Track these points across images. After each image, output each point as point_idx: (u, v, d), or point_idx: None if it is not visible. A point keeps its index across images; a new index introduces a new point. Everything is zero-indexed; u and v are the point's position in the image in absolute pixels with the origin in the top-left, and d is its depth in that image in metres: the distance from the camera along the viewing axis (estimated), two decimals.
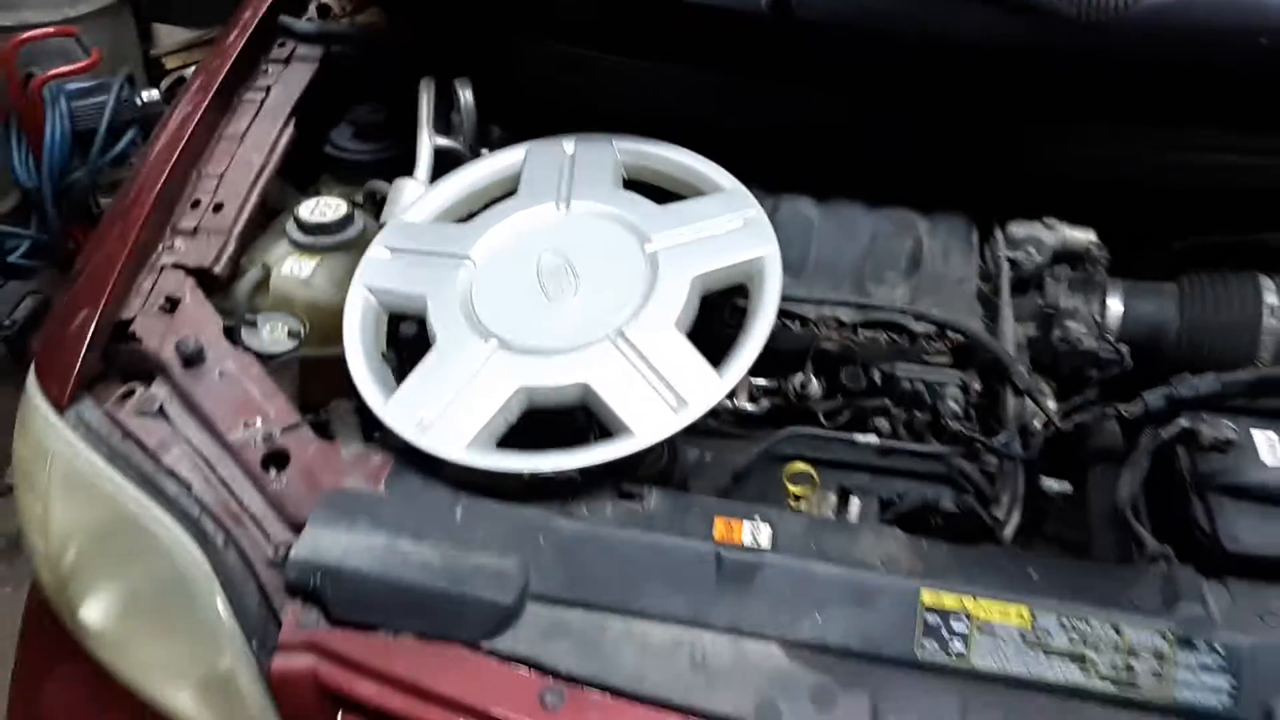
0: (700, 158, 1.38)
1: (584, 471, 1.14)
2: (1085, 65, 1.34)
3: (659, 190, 1.38)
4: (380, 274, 1.30)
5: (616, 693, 1.03)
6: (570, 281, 1.24)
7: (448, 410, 1.16)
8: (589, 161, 1.38)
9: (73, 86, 2.75)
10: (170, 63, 3.33)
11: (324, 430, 1.26)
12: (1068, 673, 1.02)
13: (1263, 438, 1.23)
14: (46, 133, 2.70)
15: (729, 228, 1.27)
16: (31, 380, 1.29)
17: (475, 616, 1.06)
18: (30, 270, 2.95)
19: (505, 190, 1.40)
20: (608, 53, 1.48)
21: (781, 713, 1.01)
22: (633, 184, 1.40)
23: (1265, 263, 1.38)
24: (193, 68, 3.28)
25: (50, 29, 2.78)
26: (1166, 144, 1.38)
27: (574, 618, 1.07)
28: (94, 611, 1.19)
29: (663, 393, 1.13)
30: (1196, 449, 1.22)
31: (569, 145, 1.41)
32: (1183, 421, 1.24)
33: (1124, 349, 1.34)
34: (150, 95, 2.87)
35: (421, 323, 1.27)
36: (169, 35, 3.42)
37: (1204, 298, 1.36)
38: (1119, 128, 1.38)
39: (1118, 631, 1.03)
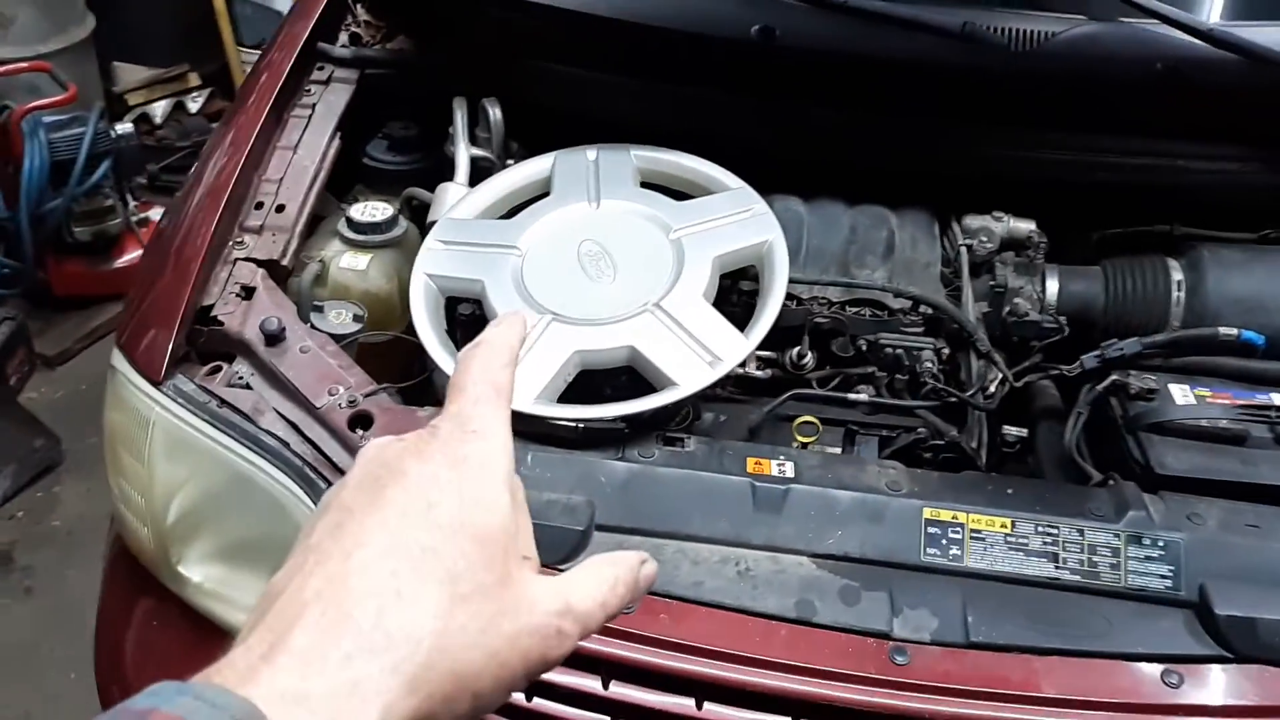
0: (708, 163, 1.60)
1: (631, 424, 1.34)
2: (1018, 84, 1.62)
3: (672, 191, 1.60)
4: (438, 263, 1.48)
5: (679, 599, 1.21)
6: (609, 265, 1.45)
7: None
8: (611, 166, 1.59)
9: (50, 119, 2.84)
10: (132, 99, 3.43)
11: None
12: (1044, 568, 1.25)
13: (1176, 389, 1.50)
14: (25, 163, 2.77)
15: (740, 218, 1.50)
16: (119, 360, 1.43)
17: (552, 543, 1.23)
18: (1, 298, 3.00)
19: (537, 193, 1.60)
20: (615, 75, 1.70)
21: (817, 608, 1.21)
22: (648, 186, 1.62)
23: (1166, 248, 1.67)
24: (156, 103, 3.40)
25: (24, 64, 2.87)
26: (1086, 148, 1.66)
27: (635, 542, 1.25)
28: (197, 563, 1.33)
29: (699, 351, 1.34)
30: (1126, 398, 1.49)
31: (591, 153, 1.62)
32: (1114, 376, 1.50)
33: (1062, 320, 1.60)
34: (124, 128, 2.97)
35: (478, 304, 1.46)
36: (129, 74, 3.52)
37: (1123, 277, 1.64)
38: (1048, 135, 1.65)
39: (1081, 534, 1.26)
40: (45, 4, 3.19)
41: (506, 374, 0.69)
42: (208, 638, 1.36)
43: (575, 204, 1.54)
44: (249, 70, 3.70)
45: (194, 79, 3.56)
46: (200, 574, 1.35)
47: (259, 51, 3.83)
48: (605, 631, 1.18)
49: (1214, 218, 1.71)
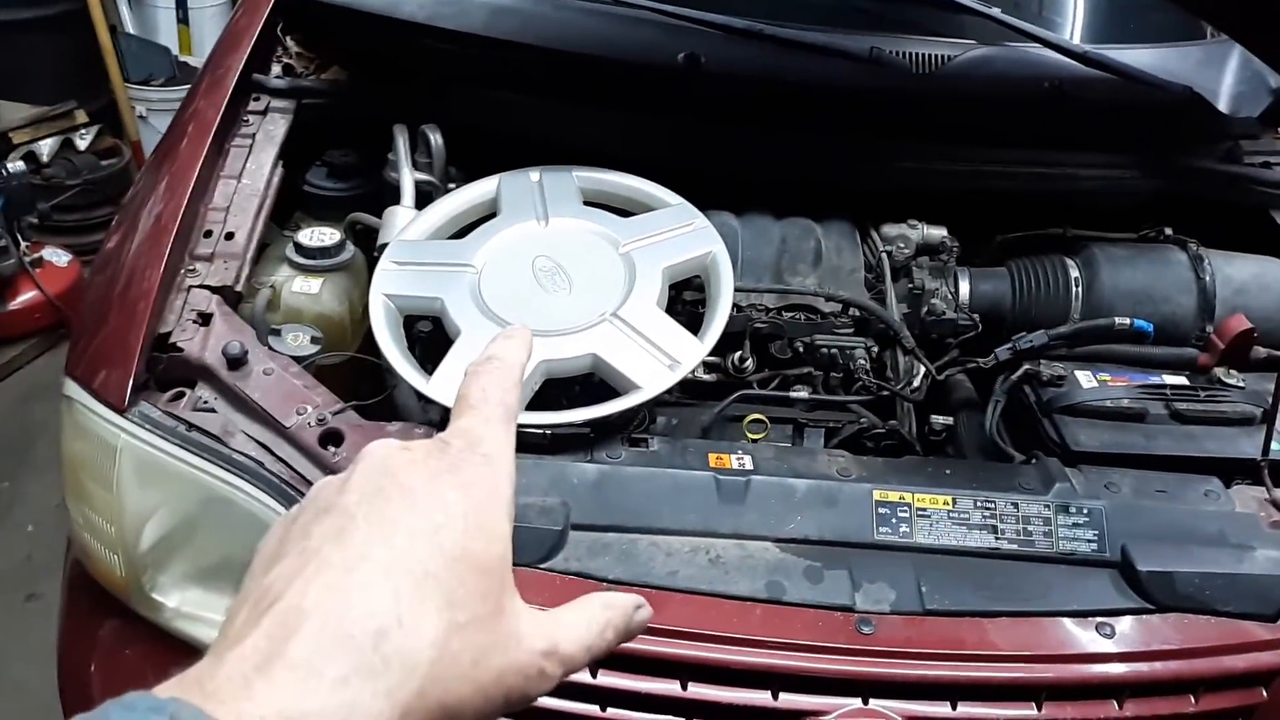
0: (647, 181, 1.69)
1: (596, 428, 1.41)
2: (923, 103, 1.77)
3: (614, 209, 1.68)
4: (394, 284, 1.52)
5: (657, 588, 1.28)
6: (564, 279, 1.51)
7: None
8: (555, 186, 1.66)
9: None
10: (17, 137, 3.32)
11: None
12: (985, 539, 1.36)
13: (1081, 374, 1.65)
14: None
15: (683, 231, 1.58)
16: (75, 390, 1.42)
17: (532, 543, 1.29)
18: None
19: (484, 213, 1.66)
20: (545, 100, 1.78)
21: (785, 589, 1.29)
22: (591, 205, 1.69)
23: (1061, 248, 1.84)
24: (42, 141, 3.30)
25: None
26: (986, 160, 1.81)
27: (610, 539, 1.32)
28: (173, 588, 1.34)
29: (658, 356, 1.42)
30: (1039, 385, 1.63)
31: (534, 174, 1.68)
32: (1026, 366, 1.65)
33: (975, 317, 1.74)
34: (15, 166, 2.89)
35: (436, 321, 1.50)
36: (13, 111, 3.41)
37: (1028, 276, 1.79)
38: (953, 149, 1.80)
39: (1016, 507, 1.38)
40: None
41: (515, 393, 0.68)
42: (181, 660, 1.35)
43: (525, 222, 1.60)
44: (135, 106, 3.66)
45: (81, 116, 3.46)
46: (177, 598, 1.35)
47: (145, 87, 3.81)
48: None
49: (1100, 219, 1.89)
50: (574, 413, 1.38)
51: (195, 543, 1.34)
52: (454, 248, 1.58)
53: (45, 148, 3.25)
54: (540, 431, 1.39)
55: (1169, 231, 1.84)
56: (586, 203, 1.68)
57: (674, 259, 1.54)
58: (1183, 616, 1.32)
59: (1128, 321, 1.69)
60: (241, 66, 1.73)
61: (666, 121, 1.77)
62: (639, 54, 1.72)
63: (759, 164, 1.80)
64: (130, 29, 3.76)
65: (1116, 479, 1.45)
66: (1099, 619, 1.31)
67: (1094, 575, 1.35)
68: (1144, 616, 1.32)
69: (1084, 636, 1.30)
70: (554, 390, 1.48)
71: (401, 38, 1.76)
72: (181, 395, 1.42)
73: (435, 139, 1.72)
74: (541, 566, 1.29)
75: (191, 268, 1.53)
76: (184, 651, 1.35)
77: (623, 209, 1.67)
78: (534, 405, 1.44)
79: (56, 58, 3.48)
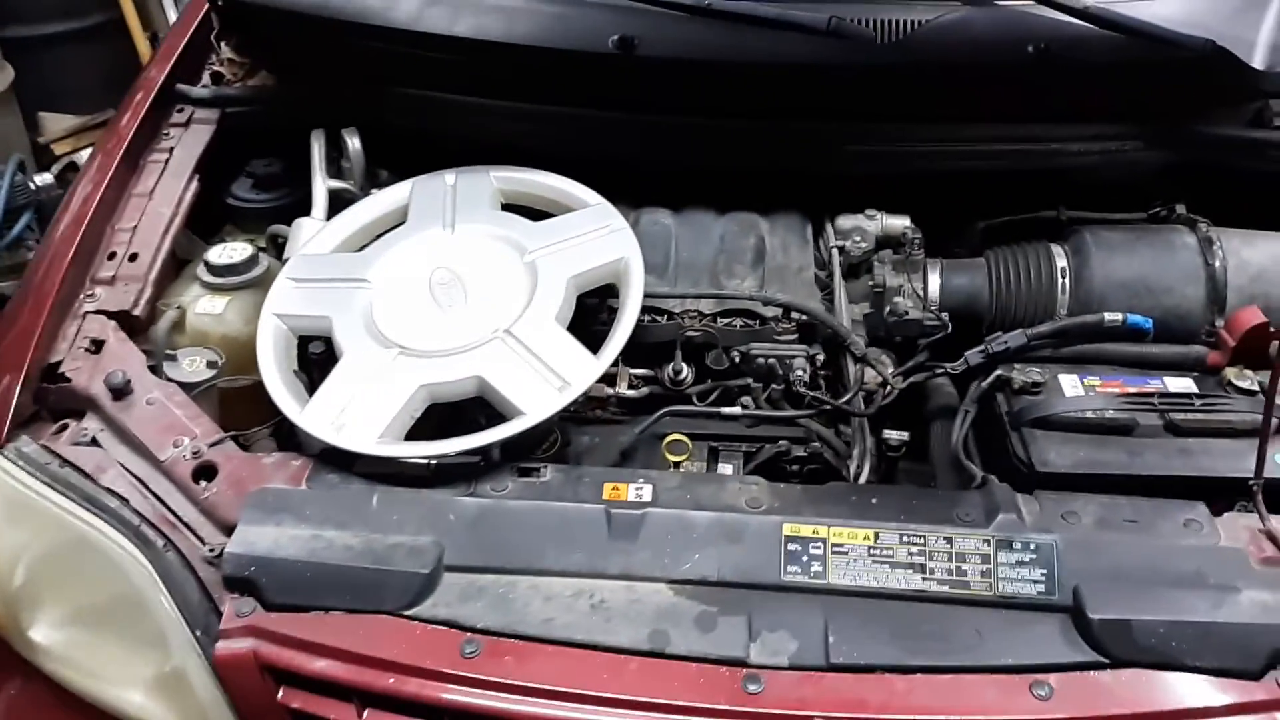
0: (568, 180, 1.56)
1: (487, 457, 1.30)
2: (889, 77, 1.57)
3: (535, 211, 1.56)
4: (287, 302, 1.44)
5: (527, 639, 1.17)
6: (460, 292, 1.40)
7: (358, 412, 1.30)
8: (469, 190, 1.55)
9: None
10: (59, 148, 3.41)
11: (246, 449, 1.39)
12: (910, 580, 1.20)
13: (1067, 379, 1.45)
14: None
15: (597, 236, 1.45)
16: None
17: (397, 588, 1.19)
18: None
19: (396, 221, 1.56)
20: (472, 97, 1.66)
21: (671, 638, 1.16)
22: (510, 207, 1.57)
23: (1052, 233, 1.62)
24: (83, 151, 3.37)
25: None
26: (960, 138, 1.61)
27: (486, 581, 1.21)
28: (45, 627, 1.29)
29: (548, 377, 1.30)
30: (1011, 393, 1.43)
31: (450, 177, 1.58)
32: (999, 371, 1.45)
33: (945, 317, 1.55)
34: (44, 179, 2.95)
35: (329, 342, 1.42)
36: (55, 123, 3.50)
37: (1008, 267, 1.59)
38: (922, 127, 1.60)
39: (949, 542, 1.21)
40: None
41: None
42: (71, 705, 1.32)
43: (430, 230, 1.50)
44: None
45: None
46: (49, 639, 1.30)
47: None
48: (445, 678, 1.14)
49: (1101, 199, 1.66)
50: (453, 442, 1.28)
51: (63, 583, 1.29)
52: (352, 262, 1.49)
53: (85, 157, 3.31)
54: (423, 462, 1.29)
55: (1181, 210, 1.61)
56: (505, 205, 1.56)
57: (582, 267, 1.42)
58: (1139, 673, 1.13)
59: (1119, 318, 1.48)
60: (165, 76, 1.68)
61: (601, 113, 1.62)
62: (568, 40, 1.57)
63: (703, 155, 1.64)
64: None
65: (1079, 507, 1.26)
66: (1035, 676, 1.13)
67: (1038, 623, 1.18)
68: (1092, 673, 1.14)
69: (1013, 698, 1.12)
70: (474, 407, 1.38)
71: (329, 36, 1.67)
72: (65, 428, 1.38)
73: (353, 143, 1.63)
74: (406, 613, 1.19)
75: (91, 292, 1.49)
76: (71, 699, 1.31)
77: (544, 210, 1.55)
78: (446, 424, 1.34)
79: (96, 67, 3.54)
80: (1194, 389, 1.41)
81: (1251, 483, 1.25)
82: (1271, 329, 1.42)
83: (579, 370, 1.30)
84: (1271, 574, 1.19)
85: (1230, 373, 1.43)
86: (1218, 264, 1.50)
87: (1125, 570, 1.19)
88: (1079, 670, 1.14)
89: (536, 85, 1.62)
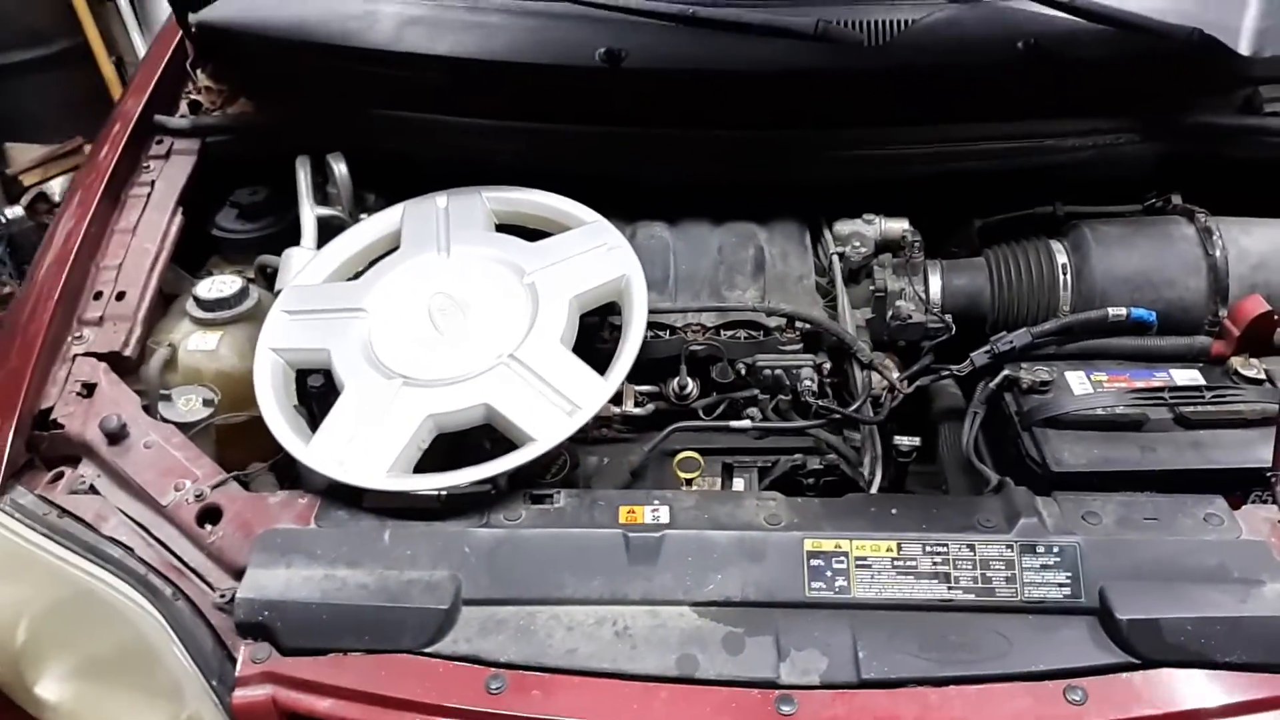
0: (562, 198, 1.54)
1: (497, 485, 1.27)
2: (879, 81, 1.56)
3: (529, 231, 1.53)
4: (282, 335, 1.41)
5: (552, 670, 1.14)
6: (460, 317, 1.38)
7: (364, 446, 1.27)
8: (461, 211, 1.52)
9: None
10: (27, 179, 3.34)
11: (248, 489, 1.36)
12: (936, 590, 1.18)
13: (1074, 376, 1.44)
14: None
15: (595, 254, 1.43)
16: None
17: (415, 626, 1.16)
18: None
19: (388, 247, 1.53)
20: (458, 117, 1.63)
21: (699, 662, 1.14)
22: (504, 228, 1.55)
23: (1050, 229, 1.61)
24: (53, 181, 3.31)
25: None
26: (954, 138, 1.60)
27: (506, 614, 1.18)
28: (51, 683, 1.26)
29: (556, 401, 1.28)
30: (1020, 393, 1.43)
31: (441, 200, 1.55)
32: (1006, 371, 1.44)
33: (948, 319, 1.54)
34: (14, 213, 2.89)
35: (328, 374, 1.39)
36: (22, 153, 3.43)
37: (1009, 265, 1.58)
38: (914, 129, 1.59)
39: (972, 550, 1.20)
40: None
41: None
42: None
43: (425, 255, 1.47)
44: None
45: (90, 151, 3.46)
46: (58, 695, 1.27)
47: None
48: (471, 716, 1.12)
49: (1097, 193, 1.65)
50: (464, 472, 1.25)
51: (69, 637, 1.26)
52: (346, 291, 1.46)
53: (56, 187, 3.25)
54: (432, 495, 1.26)
55: (1177, 200, 1.60)
56: (499, 226, 1.54)
57: (583, 287, 1.39)
58: (1171, 672, 1.13)
59: (1124, 312, 1.47)
60: (141, 108, 1.64)
61: (591, 128, 1.60)
62: (553, 55, 1.55)
63: (694, 166, 1.62)
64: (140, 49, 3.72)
65: (1098, 507, 1.25)
66: (1068, 681, 1.12)
67: (1066, 626, 1.17)
68: (1125, 675, 1.13)
69: (1048, 705, 1.11)
70: (478, 433, 1.35)
71: (307, 60, 1.64)
72: (61, 476, 1.34)
73: (339, 168, 1.59)
74: (425, 651, 1.16)
75: (79, 334, 1.45)
76: None
77: (539, 230, 1.53)
78: (440, 460, 1.31)
79: (60, 94, 3.47)
80: (1201, 380, 1.41)
81: (1270, 474, 1.25)
82: (1276, 317, 1.42)
83: (587, 392, 1.28)
84: None
85: (1236, 362, 1.43)
86: (1218, 254, 1.50)
87: (1149, 569, 1.18)
88: (1110, 673, 1.13)
89: (523, 102, 1.60)
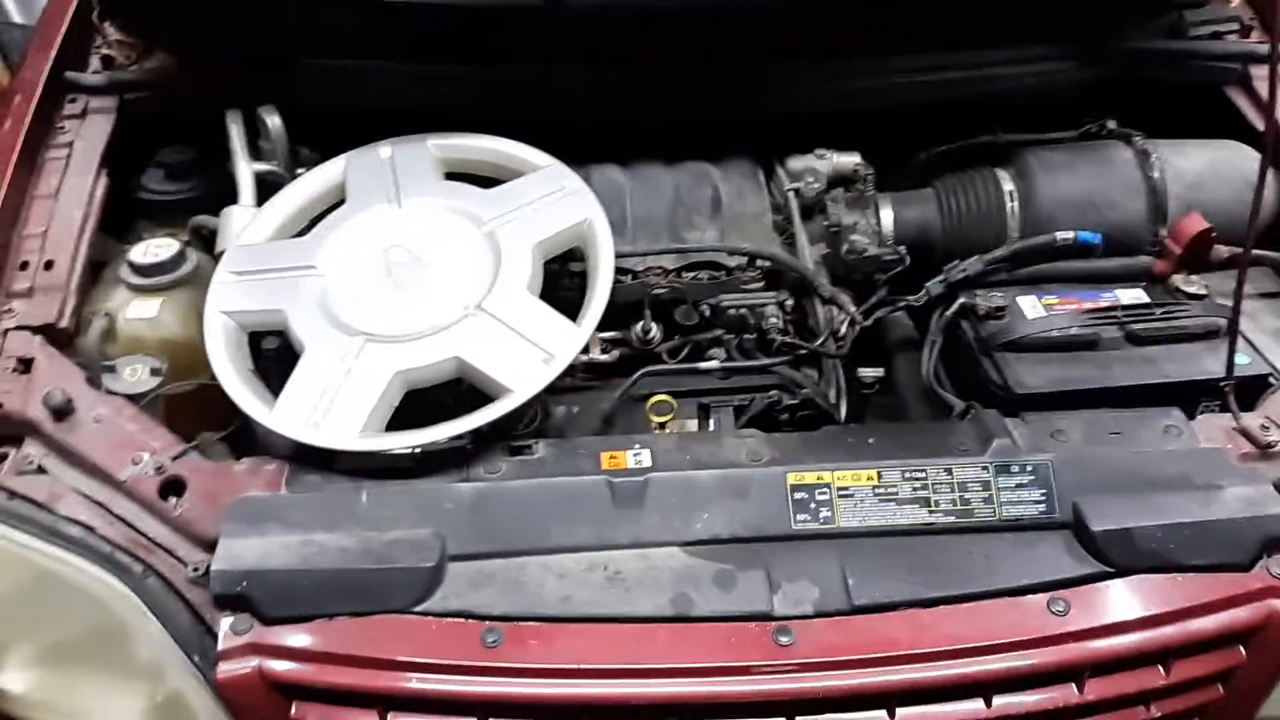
0: (513, 143, 1.50)
1: (474, 438, 1.24)
2: (821, 14, 1.54)
3: (480, 179, 1.49)
4: (232, 297, 1.35)
5: (548, 619, 1.13)
6: (420, 270, 1.34)
7: (333, 407, 1.23)
8: (408, 161, 1.47)
9: None
10: None
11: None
12: (917, 515, 1.20)
13: (1026, 301, 1.47)
14: None
15: (554, 199, 1.40)
16: None
17: (403, 585, 1.14)
18: None
19: (333, 201, 1.47)
20: (393, 63, 1.57)
21: (694, 601, 1.14)
22: (453, 177, 1.50)
23: (995, 158, 1.64)
24: None
25: None
26: (898, 71, 1.61)
27: (495, 567, 1.16)
28: (15, 673, 1.19)
29: (531, 351, 1.25)
30: (976, 319, 1.45)
31: (385, 150, 1.50)
32: (962, 299, 1.47)
33: (902, 250, 1.56)
34: None
35: (283, 335, 1.33)
36: None
37: (957, 195, 1.60)
38: (858, 63, 1.59)
39: (949, 473, 1.22)
40: None
41: None
42: None
43: (375, 208, 1.42)
44: None
45: None
46: (23, 684, 1.21)
47: None
48: (471, 671, 1.10)
49: (1034, 120, 1.68)
50: (440, 428, 1.22)
51: (32, 623, 1.20)
52: (296, 248, 1.40)
53: None
54: (407, 453, 1.23)
55: (1112, 125, 1.65)
56: (448, 175, 1.49)
57: (545, 233, 1.36)
58: (1145, 578, 1.17)
59: (1070, 235, 1.51)
60: (50, 65, 1.53)
61: (533, 70, 1.56)
62: None
63: (642, 105, 1.59)
64: (16, 17, 3.51)
65: (1065, 425, 1.29)
66: (1050, 594, 1.16)
67: (1044, 541, 1.20)
68: (1102, 584, 1.17)
69: (1033, 617, 1.14)
70: (438, 392, 1.31)
71: (228, 8, 1.55)
72: (4, 457, 1.27)
73: (273, 121, 1.52)
74: (416, 610, 1.14)
75: (8, 307, 1.36)
76: None
77: (490, 178, 1.49)
78: (401, 422, 1.27)
79: None
80: (1146, 299, 1.46)
81: (1223, 383, 1.30)
82: (1214, 234, 1.47)
83: (562, 340, 1.26)
84: (1250, 469, 1.24)
85: (1177, 279, 1.49)
86: (1156, 175, 1.55)
87: (1117, 481, 1.23)
88: (1088, 583, 1.17)
89: (461, 45, 1.54)
